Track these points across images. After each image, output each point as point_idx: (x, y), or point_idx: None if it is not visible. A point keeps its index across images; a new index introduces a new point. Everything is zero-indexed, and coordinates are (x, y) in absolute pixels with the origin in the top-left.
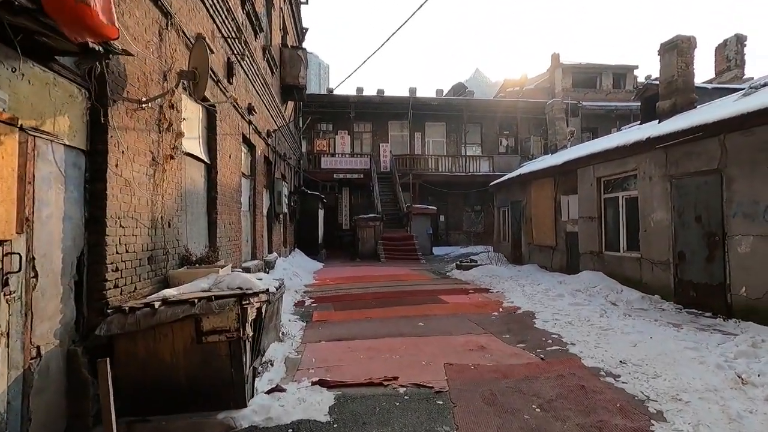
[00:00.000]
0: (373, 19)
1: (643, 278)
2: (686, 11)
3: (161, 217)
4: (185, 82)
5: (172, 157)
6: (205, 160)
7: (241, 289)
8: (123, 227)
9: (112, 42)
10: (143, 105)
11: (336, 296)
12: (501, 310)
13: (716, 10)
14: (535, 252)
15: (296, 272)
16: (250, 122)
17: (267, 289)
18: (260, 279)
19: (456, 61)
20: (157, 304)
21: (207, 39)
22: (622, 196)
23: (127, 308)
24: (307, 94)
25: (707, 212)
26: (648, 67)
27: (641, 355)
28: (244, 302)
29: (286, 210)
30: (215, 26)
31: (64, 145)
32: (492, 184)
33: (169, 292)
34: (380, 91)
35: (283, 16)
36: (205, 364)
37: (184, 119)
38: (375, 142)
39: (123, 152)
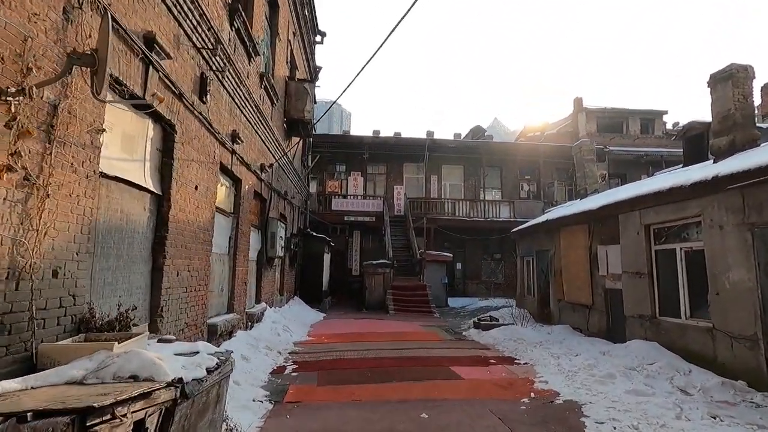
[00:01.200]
0: (394, 66)
1: (718, 356)
2: (690, 7)
3: (33, 263)
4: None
5: (10, 168)
6: (152, 188)
7: (134, 378)
8: None
9: None
10: (7, 98)
11: (326, 362)
12: (532, 395)
13: (720, 3)
14: (566, 310)
15: (287, 327)
16: (233, 152)
17: (179, 380)
18: (194, 353)
19: (474, 110)
20: None
21: (163, 41)
22: (681, 249)
23: None
24: (321, 134)
25: None
26: (676, 114)
27: None
28: (92, 424)
29: (281, 254)
30: (181, 31)
31: None
32: (514, 230)
33: (9, 386)
34: (397, 134)
35: (291, 50)
36: None
37: (102, 130)
38: (389, 185)
39: None
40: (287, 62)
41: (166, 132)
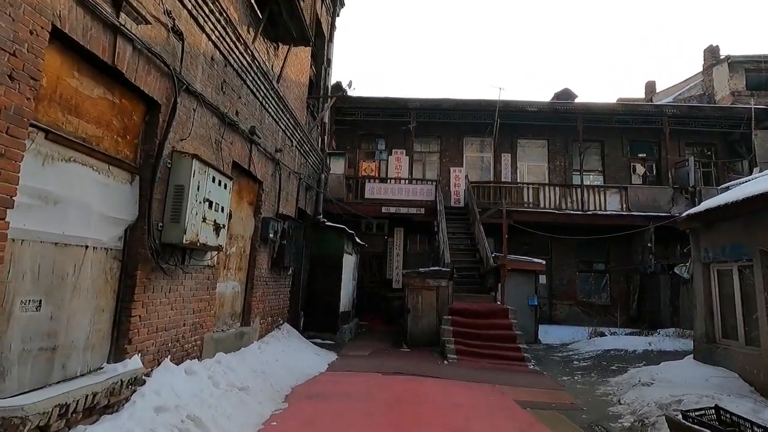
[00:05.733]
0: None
1: None
2: None
3: None
4: None
5: None
6: None
7: None
8: None
9: None
10: None
11: None
12: None
13: None
14: None
15: (197, 420)
16: None
17: None
18: None
19: (550, 84)
20: None
21: None
22: None
23: None
24: (353, 97)
25: None
26: None
27: None
28: None
29: (220, 241)
30: None
31: None
32: (690, 213)
33: None
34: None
35: None
36: None
37: None
38: (443, 166)
39: None
40: None
41: None
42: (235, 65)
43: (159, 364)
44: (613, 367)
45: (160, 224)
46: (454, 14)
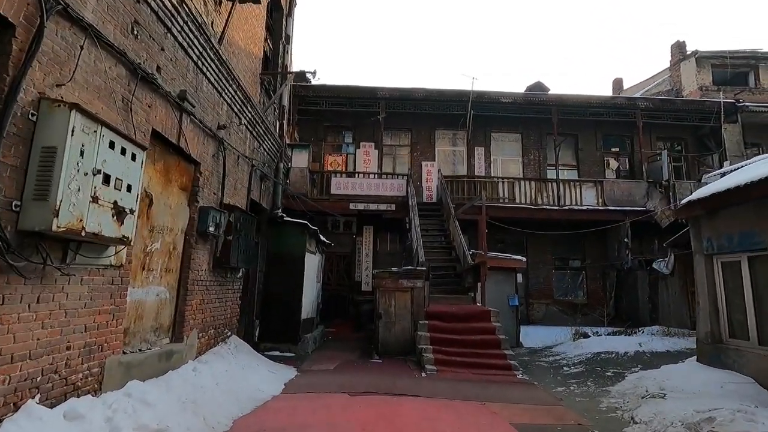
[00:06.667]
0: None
1: None
2: None
3: None
4: None
5: None
6: None
7: None
8: None
9: None
10: None
11: None
12: None
13: None
14: None
15: None
16: None
17: None
18: None
19: (519, 77)
20: None
21: None
22: None
23: None
24: (317, 85)
25: None
26: None
27: None
28: None
29: (125, 232)
30: None
31: None
32: (691, 200)
33: None
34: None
35: None
36: None
37: None
38: (415, 160)
39: None
40: None
41: None
42: (154, 5)
43: (17, 409)
44: (609, 373)
45: (17, 203)
46: (423, 3)
